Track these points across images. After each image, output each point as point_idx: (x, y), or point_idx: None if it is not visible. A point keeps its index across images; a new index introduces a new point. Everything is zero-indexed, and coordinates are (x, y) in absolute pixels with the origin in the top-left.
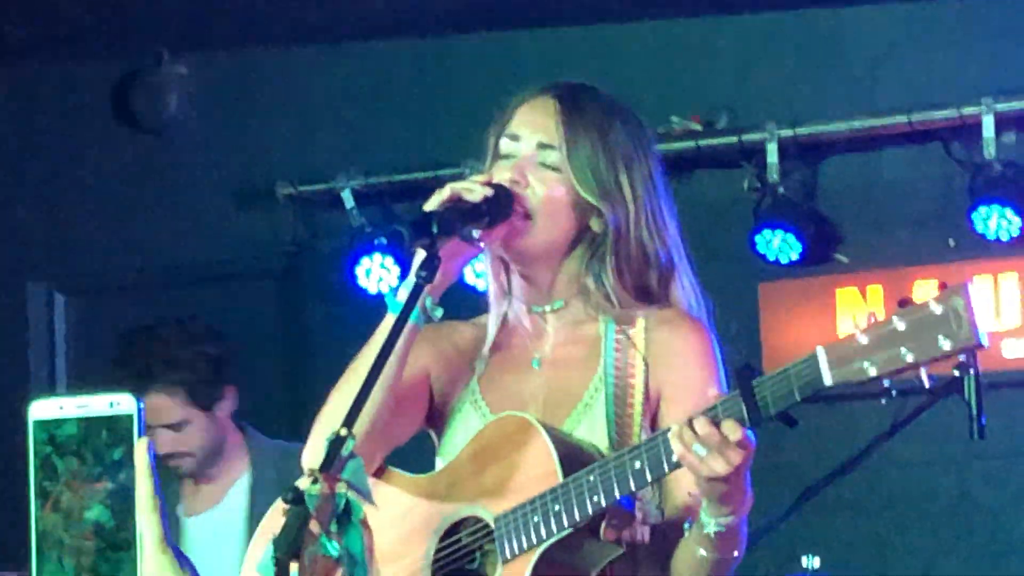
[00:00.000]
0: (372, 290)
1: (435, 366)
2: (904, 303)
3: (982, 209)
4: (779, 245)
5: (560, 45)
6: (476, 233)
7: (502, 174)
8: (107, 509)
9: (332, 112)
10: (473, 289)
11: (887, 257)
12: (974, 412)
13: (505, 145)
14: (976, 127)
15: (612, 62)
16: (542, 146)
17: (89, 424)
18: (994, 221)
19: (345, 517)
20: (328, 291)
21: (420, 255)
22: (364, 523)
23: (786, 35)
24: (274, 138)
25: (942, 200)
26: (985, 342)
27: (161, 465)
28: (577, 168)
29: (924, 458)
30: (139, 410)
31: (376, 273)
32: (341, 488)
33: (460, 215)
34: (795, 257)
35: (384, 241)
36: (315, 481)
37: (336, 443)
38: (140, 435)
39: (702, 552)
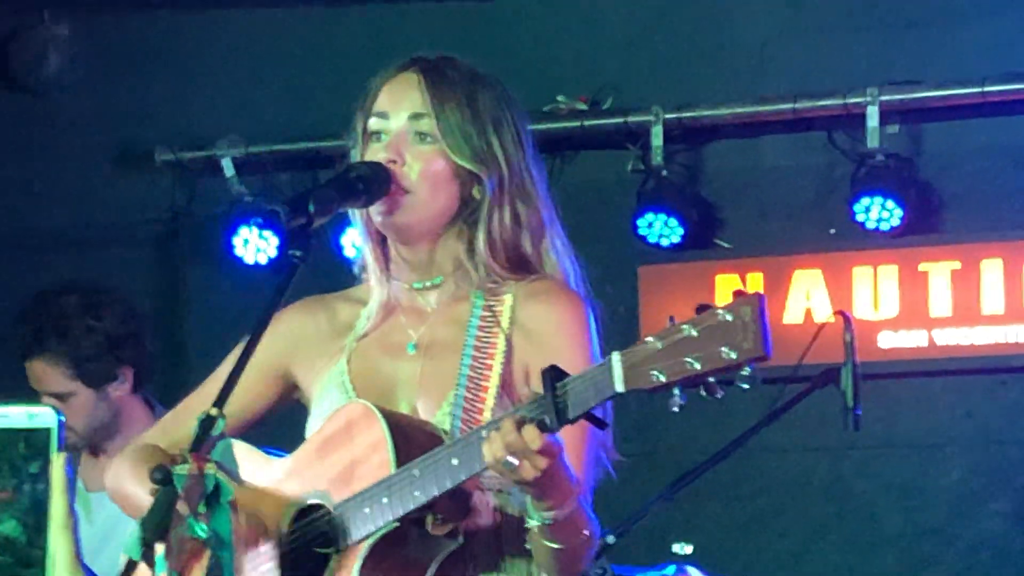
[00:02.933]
0: (249, 260)
1: (303, 343)
2: (700, 309)
3: (864, 199)
4: (660, 228)
5: (446, 18)
6: (375, 216)
7: (377, 155)
8: (19, 524)
9: (214, 79)
10: (350, 262)
11: (768, 244)
12: (850, 403)
13: (374, 123)
14: (860, 117)
15: (498, 38)
16: (413, 116)
17: (6, 436)
18: (875, 212)
19: (214, 498)
20: (205, 259)
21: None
22: (233, 505)
23: (675, 17)
24: (155, 103)
25: (824, 189)
26: (770, 354)
27: None
28: (449, 134)
29: (799, 445)
30: (59, 424)
31: (254, 243)
32: (210, 469)
33: (337, 193)
34: (676, 241)
35: (260, 220)
36: (184, 461)
37: (206, 423)
38: (59, 450)
39: (544, 542)
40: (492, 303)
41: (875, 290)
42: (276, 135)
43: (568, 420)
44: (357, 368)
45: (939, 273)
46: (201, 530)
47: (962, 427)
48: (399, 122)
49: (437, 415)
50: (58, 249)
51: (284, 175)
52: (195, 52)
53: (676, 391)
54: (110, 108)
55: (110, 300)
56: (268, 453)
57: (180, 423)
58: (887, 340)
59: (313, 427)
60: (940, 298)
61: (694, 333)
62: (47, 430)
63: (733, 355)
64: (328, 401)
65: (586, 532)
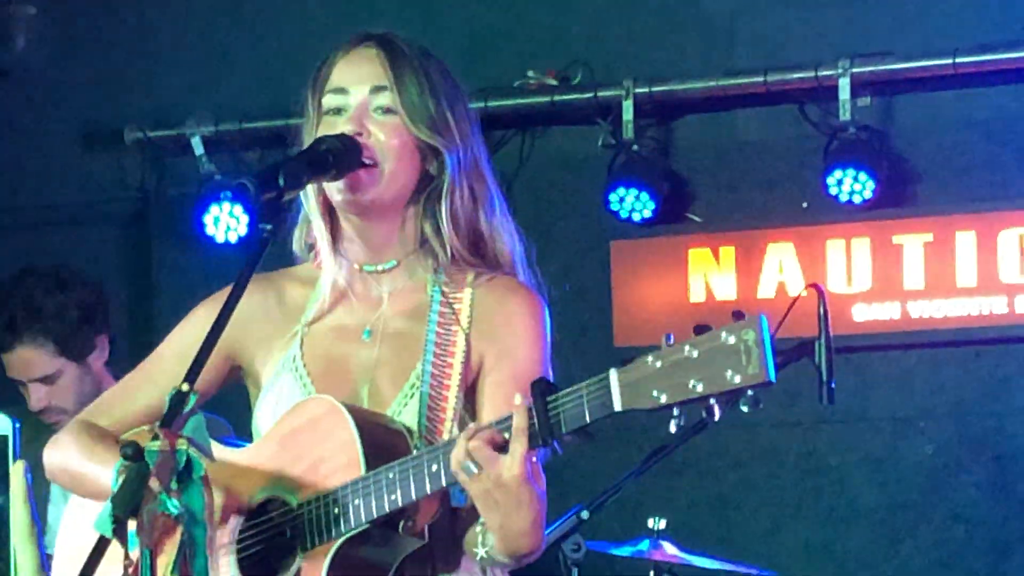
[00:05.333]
0: (220, 238)
1: (252, 324)
2: (699, 329)
3: (836, 172)
4: (632, 203)
5: None
6: (336, 194)
7: (341, 127)
8: None
9: (183, 57)
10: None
11: (740, 218)
12: (824, 377)
13: (332, 100)
14: (832, 89)
15: (469, 13)
16: (375, 89)
17: None
18: (847, 184)
19: (186, 474)
20: (176, 237)
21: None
22: (205, 480)
23: None
24: (123, 81)
25: (796, 162)
26: (774, 379)
27: (38, 421)
28: (410, 107)
29: (771, 421)
30: (15, 430)
31: (224, 221)
32: (182, 445)
33: (307, 166)
34: (648, 215)
35: (230, 195)
36: (155, 437)
37: (177, 398)
38: (16, 458)
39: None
40: (451, 299)
41: (848, 263)
42: (245, 113)
43: (559, 436)
44: (310, 353)
45: (912, 246)
46: (173, 506)
47: (936, 400)
48: (359, 96)
49: (393, 404)
50: (27, 228)
51: (253, 153)
52: (163, 30)
53: (676, 412)
54: (78, 87)
55: (69, 273)
56: (223, 442)
57: (122, 400)
58: (861, 313)
59: (265, 413)
60: (913, 271)
61: (695, 354)
62: (3, 438)
63: (737, 379)
64: (281, 386)
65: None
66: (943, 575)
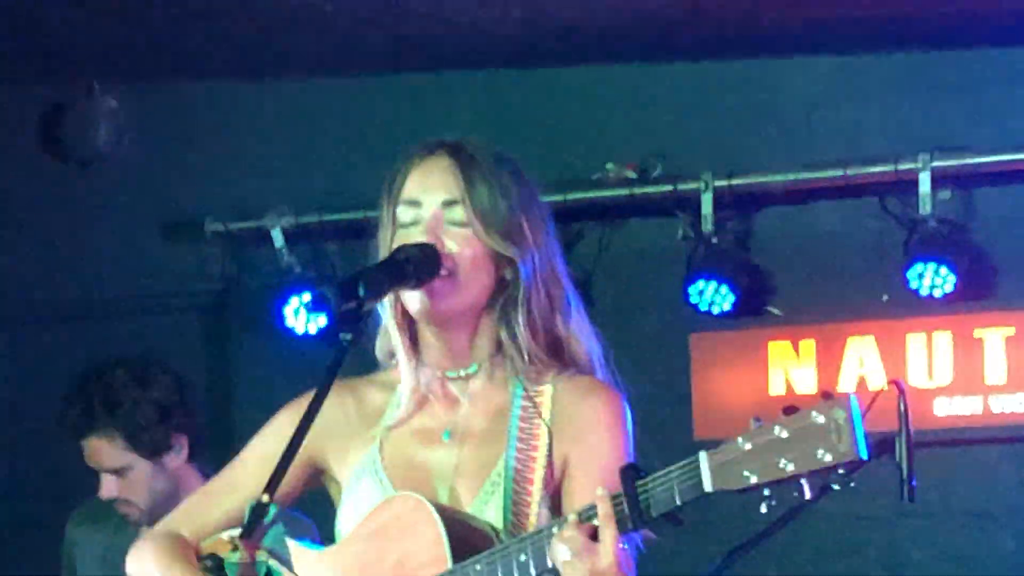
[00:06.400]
0: (299, 330)
1: (333, 430)
2: (788, 410)
3: (917, 266)
4: (712, 296)
5: (496, 88)
6: (413, 303)
7: (416, 239)
8: None
9: (263, 149)
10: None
11: (821, 311)
12: (904, 475)
13: (406, 212)
14: (912, 183)
15: (548, 106)
16: (447, 204)
17: None
18: (928, 278)
19: None
20: (255, 328)
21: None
22: None
23: (723, 84)
24: (204, 173)
25: (877, 255)
26: (866, 456)
27: (115, 511)
28: (484, 219)
29: (853, 513)
30: None
31: (304, 313)
32: (262, 556)
33: (387, 276)
34: (728, 308)
35: (311, 303)
36: (235, 549)
37: (258, 509)
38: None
39: None
40: (532, 394)
41: (929, 357)
42: (324, 205)
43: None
44: (390, 456)
45: (994, 339)
46: None
47: (1019, 495)
48: (432, 208)
49: (474, 502)
50: (109, 319)
51: (333, 244)
52: (244, 122)
53: (766, 492)
54: (159, 179)
55: (156, 370)
56: (306, 543)
57: (204, 508)
58: (942, 407)
59: (347, 516)
60: (995, 364)
61: (784, 435)
62: None
63: (829, 457)
64: (362, 490)
65: None
66: None
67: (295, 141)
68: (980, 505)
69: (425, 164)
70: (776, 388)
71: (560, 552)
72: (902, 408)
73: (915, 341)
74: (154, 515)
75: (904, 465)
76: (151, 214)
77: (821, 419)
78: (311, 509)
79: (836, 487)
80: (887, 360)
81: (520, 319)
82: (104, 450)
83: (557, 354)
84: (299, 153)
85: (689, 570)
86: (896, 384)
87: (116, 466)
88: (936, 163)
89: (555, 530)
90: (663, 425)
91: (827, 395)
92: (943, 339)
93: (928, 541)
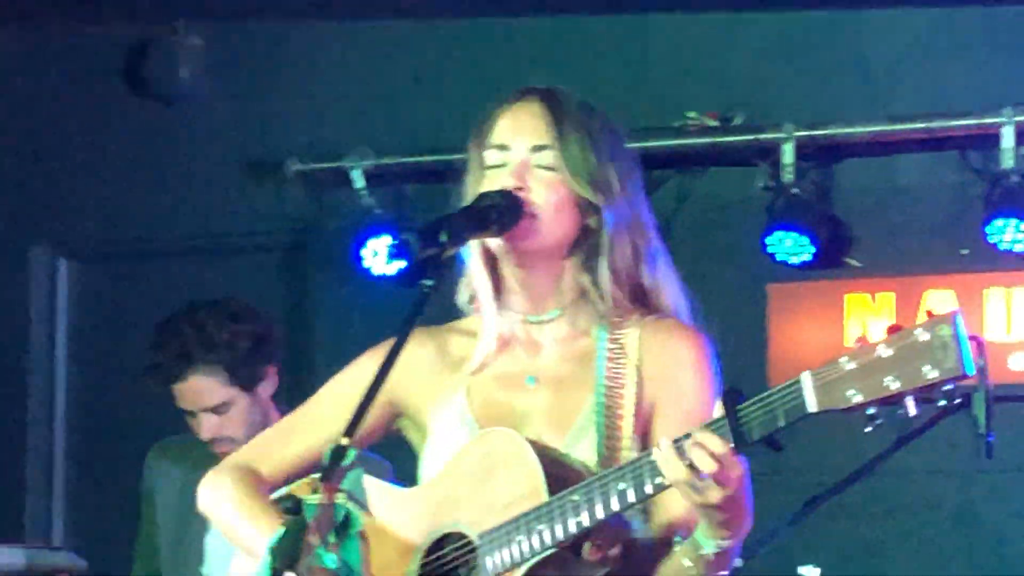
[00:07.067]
0: (377, 271)
1: (415, 376)
2: (892, 329)
3: (998, 220)
4: (791, 246)
5: (576, 34)
6: (494, 241)
7: (503, 181)
8: None
9: (345, 90)
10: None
11: (899, 263)
12: (982, 430)
13: (493, 156)
14: (994, 137)
15: (631, 53)
16: (536, 148)
17: None
18: (1009, 233)
19: (344, 529)
20: (333, 270)
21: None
22: (362, 535)
23: (807, 35)
24: (286, 113)
25: (957, 209)
26: (972, 372)
27: (211, 452)
28: (572, 166)
29: (927, 468)
30: None
31: (383, 255)
32: (340, 499)
33: (469, 222)
34: (807, 259)
35: (393, 249)
36: (315, 491)
37: (337, 452)
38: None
39: (690, 568)
40: (617, 335)
41: (1008, 312)
42: (406, 147)
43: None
44: (476, 401)
45: None
46: (331, 560)
47: None
48: (521, 153)
49: (566, 439)
50: (188, 259)
51: (413, 187)
52: (326, 63)
53: (871, 411)
54: (241, 119)
55: (239, 305)
56: (387, 483)
57: (279, 445)
58: (1018, 362)
59: (433, 458)
60: None
61: (888, 353)
62: None
63: (935, 374)
64: (449, 435)
65: (727, 571)
66: None
67: (377, 83)
68: None
69: (515, 109)
70: (852, 340)
71: (684, 473)
72: (981, 364)
73: (993, 295)
74: None
75: (982, 420)
76: (233, 154)
77: (927, 336)
78: (387, 453)
79: (942, 403)
80: (964, 314)
81: (604, 267)
82: (205, 387)
83: (642, 303)
84: (381, 95)
85: (765, 519)
86: (975, 339)
87: (217, 402)
88: (1019, 117)
89: (656, 454)
90: (738, 375)
91: (931, 314)
92: (1022, 294)
93: (1003, 497)
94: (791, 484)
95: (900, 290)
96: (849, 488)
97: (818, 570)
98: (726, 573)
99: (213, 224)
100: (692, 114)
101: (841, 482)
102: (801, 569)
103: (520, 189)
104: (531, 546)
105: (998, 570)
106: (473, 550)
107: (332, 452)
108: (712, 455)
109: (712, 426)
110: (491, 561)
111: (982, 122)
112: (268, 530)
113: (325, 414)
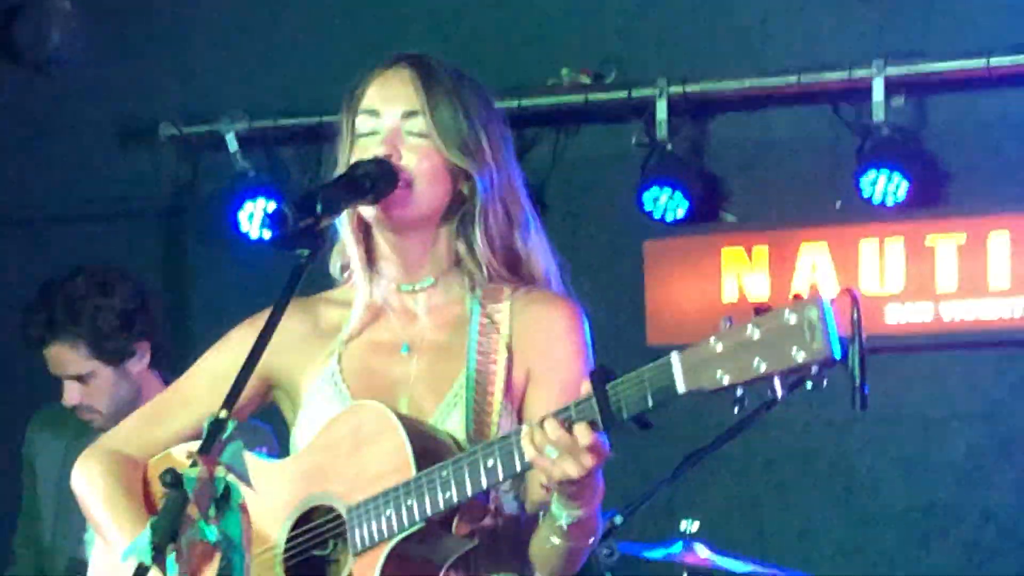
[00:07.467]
0: (254, 235)
1: (288, 346)
2: (760, 310)
3: (870, 173)
4: (666, 203)
5: None
6: (367, 209)
7: (373, 150)
8: None
9: (218, 53)
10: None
11: (774, 217)
12: (857, 382)
13: (364, 123)
14: (866, 90)
15: (504, 11)
16: (406, 115)
17: None
18: (881, 185)
19: (224, 501)
20: (210, 233)
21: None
22: (243, 508)
23: None
24: (158, 78)
25: (830, 162)
26: (839, 356)
27: (76, 416)
28: (443, 132)
29: (804, 420)
30: None
31: (258, 218)
32: (220, 472)
33: (345, 192)
34: (681, 215)
35: (267, 220)
36: (194, 464)
37: (216, 425)
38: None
39: (555, 540)
40: (490, 310)
41: (881, 264)
42: (279, 110)
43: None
44: (349, 368)
45: (946, 247)
46: (212, 533)
47: (968, 401)
48: (392, 120)
49: (436, 414)
50: (62, 224)
51: (287, 149)
52: (198, 27)
53: (739, 392)
54: (113, 83)
55: (117, 277)
56: (259, 456)
57: (155, 422)
58: (893, 314)
59: (305, 429)
60: (946, 272)
61: (756, 335)
62: None
63: (801, 357)
64: (321, 402)
65: (593, 538)
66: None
67: (250, 47)
68: (930, 411)
69: (386, 75)
70: (729, 295)
71: (543, 452)
72: (855, 315)
73: (867, 248)
74: (116, 420)
75: (856, 372)
76: (105, 118)
77: (794, 318)
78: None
79: (810, 387)
80: (839, 267)
81: (477, 233)
82: (67, 357)
83: (514, 269)
84: (254, 58)
85: (645, 475)
86: (849, 292)
87: (79, 373)
88: (889, 70)
89: (524, 431)
90: (616, 332)
91: (798, 297)
92: (895, 246)
93: (879, 447)
94: (670, 440)
95: (775, 244)
96: (727, 442)
97: (697, 523)
98: (593, 539)
99: (87, 190)
100: (565, 71)
101: (719, 436)
102: (682, 523)
103: (391, 157)
104: (400, 520)
105: (875, 518)
106: (342, 523)
107: (210, 425)
108: (574, 435)
109: (580, 405)
110: (359, 534)
111: (853, 75)
112: (127, 530)
113: (199, 392)
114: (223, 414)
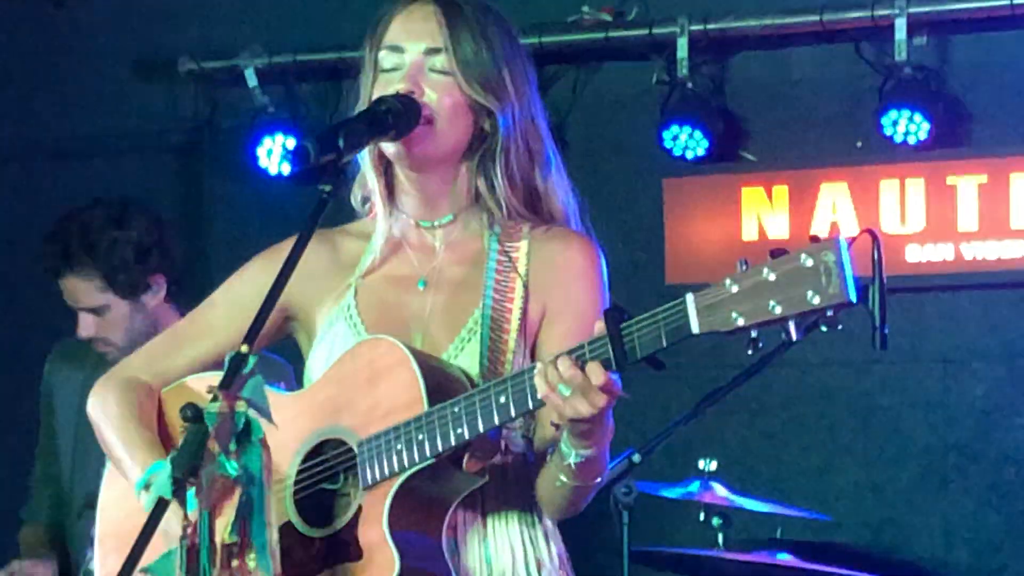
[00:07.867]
0: (272, 170)
1: (307, 278)
2: (776, 253)
3: (892, 112)
4: (686, 141)
5: None
6: (388, 146)
7: (395, 86)
8: None
9: None
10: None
11: (794, 157)
12: (877, 322)
13: (387, 58)
14: (888, 29)
15: None
16: (429, 51)
17: None
18: (903, 125)
19: (244, 436)
20: (228, 169)
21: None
22: (263, 442)
23: None
24: (178, 12)
25: (851, 101)
26: (855, 299)
27: (93, 349)
28: (465, 69)
29: (823, 360)
30: None
31: (277, 153)
32: (241, 406)
33: (367, 127)
34: (701, 153)
35: (290, 156)
36: (215, 399)
37: (237, 360)
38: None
39: (563, 479)
40: (508, 248)
41: (902, 204)
42: (299, 45)
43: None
44: (365, 302)
45: (967, 186)
46: (232, 468)
47: (988, 341)
48: (414, 55)
49: (450, 348)
50: (81, 158)
51: (307, 85)
52: None
53: (754, 334)
54: (133, 17)
55: (134, 211)
56: (278, 389)
57: (172, 351)
58: (914, 254)
59: (318, 361)
60: (967, 212)
61: (772, 277)
62: None
63: (817, 300)
64: (335, 335)
65: (600, 478)
66: (993, 516)
67: None
68: (950, 352)
69: (409, 10)
70: (749, 233)
71: (556, 389)
72: (875, 255)
73: (888, 187)
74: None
75: (876, 312)
76: (125, 53)
77: (810, 261)
78: (285, 354)
79: (824, 330)
80: (860, 206)
81: (498, 170)
82: (82, 289)
83: (534, 208)
84: None
85: (664, 414)
86: (870, 232)
87: (94, 305)
88: (912, 9)
89: (539, 369)
90: (635, 270)
91: (815, 239)
92: (916, 186)
93: (898, 387)
94: (689, 379)
95: (795, 183)
96: (746, 381)
97: (715, 463)
98: (599, 480)
99: (106, 123)
100: (586, 9)
101: (737, 376)
102: (700, 462)
103: (413, 93)
104: (411, 456)
105: (894, 459)
106: (352, 457)
107: (231, 360)
108: (587, 374)
109: (593, 344)
110: (370, 468)
111: (875, 14)
112: (139, 459)
113: (217, 321)
114: (244, 348)
